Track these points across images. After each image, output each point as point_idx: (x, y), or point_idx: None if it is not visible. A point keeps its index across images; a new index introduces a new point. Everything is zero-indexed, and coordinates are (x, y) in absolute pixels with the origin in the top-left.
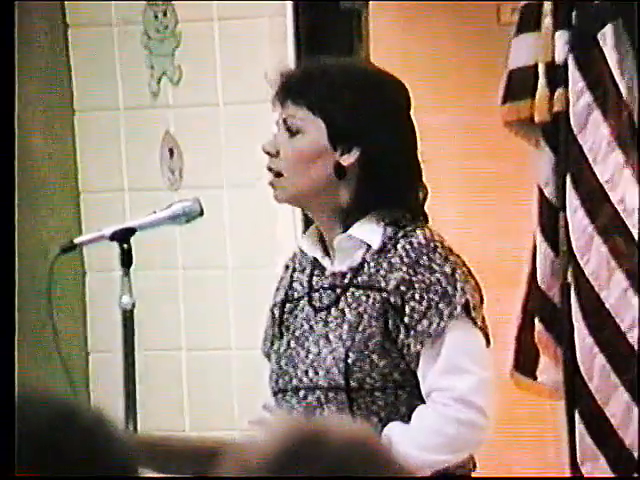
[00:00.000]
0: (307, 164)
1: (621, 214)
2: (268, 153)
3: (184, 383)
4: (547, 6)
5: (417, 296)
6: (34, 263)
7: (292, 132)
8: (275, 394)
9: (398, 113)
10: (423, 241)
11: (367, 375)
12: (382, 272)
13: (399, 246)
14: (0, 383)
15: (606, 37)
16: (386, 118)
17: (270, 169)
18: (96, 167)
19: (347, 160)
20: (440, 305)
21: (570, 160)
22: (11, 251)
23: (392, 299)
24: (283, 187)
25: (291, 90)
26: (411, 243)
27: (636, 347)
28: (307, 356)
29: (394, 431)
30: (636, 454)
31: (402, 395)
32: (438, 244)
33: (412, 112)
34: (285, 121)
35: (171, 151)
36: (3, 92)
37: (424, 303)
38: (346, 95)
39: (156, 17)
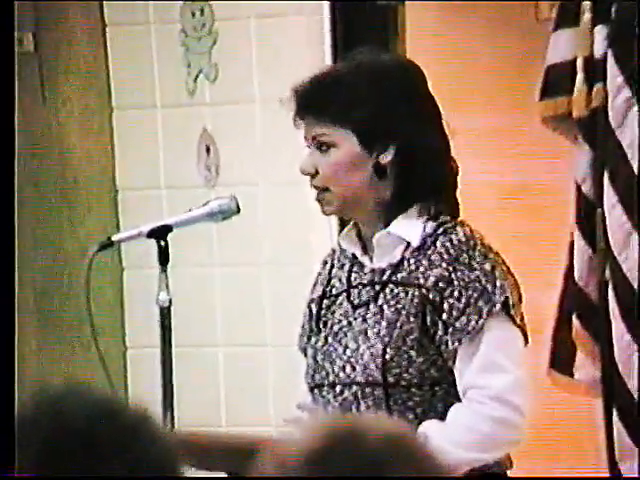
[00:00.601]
0: (347, 174)
1: None
2: (308, 174)
3: (220, 379)
4: (586, 2)
5: (456, 293)
6: (72, 260)
7: (324, 149)
8: (311, 389)
9: (420, 98)
10: (463, 238)
11: (404, 371)
12: (421, 269)
13: (438, 243)
14: (0, 384)
15: None
16: (411, 107)
17: (315, 187)
18: (133, 165)
19: (385, 159)
20: (479, 302)
21: (608, 156)
22: (11, 252)
23: (431, 296)
24: (330, 201)
25: (310, 107)
26: (451, 240)
27: None
28: (345, 352)
29: (430, 428)
30: None
31: (438, 392)
32: (478, 242)
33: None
34: (314, 139)
35: (208, 148)
36: (3, 93)
37: (463, 300)
38: (365, 98)
39: (193, 15)
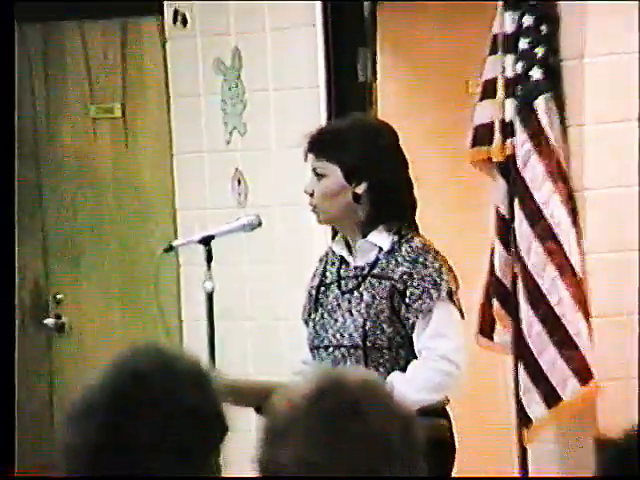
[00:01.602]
0: (333, 198)
1: (552, 226)
2: (308, 193)
3: (248, 343)
4: (500, 82)
5: (415, 283)
6: (146, 259)
7: (319, 177)
8: (311, 350)
9: (391, 151)
10: (419, 245)
11: (378, 338)
12: (391, 266)
13: (402, 248)
14: (0, 385)
15: (539, 105)
16: (382, 156)
17: (310, 204)
18: (187, 192)
19: (360, 190)
20: (431, 291)
21: (516, 188)
22: (11, 254)
23: (397, 285)
24: (319, 214)
25: (314, 147)
26: (411, 246)
27: (562, 319)
28: (335, 324)
29: (396, 378)
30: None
31: (402, 353)
32: (429, 248)
33: (402, 148)
34: (314, 169)
35: (239, 181)
36: (3, 94)
37: (419, 288)
38: (351, 146)
39: (230, 89)
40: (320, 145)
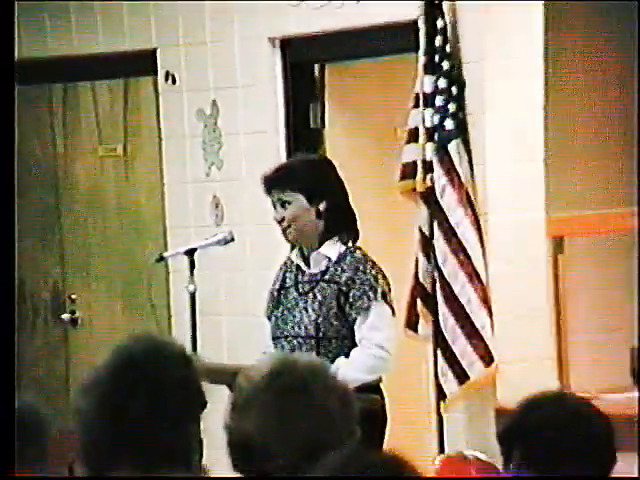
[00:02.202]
0: (300, 218)
1: (462, 243)
2: (277, 220)
3: (224, 334)
4: (421, 130)
5: (356, 287)
6: (142, 267)
7: (285, 206)
8: (273, 340)
9: (336, 177)
10: (360, 256)
11: (328, 330)
12: (337, 273)
13: (347, 259)
14: (0, 386)
15: (452, 148)
16: (331, 181)
17: (282, 228)
18: (175, 214)
19: (321, 207)
20: (369, 293)
21: (436, 212)
22: (10, 255)
23: (343, 288)
24: (290, 233)
25: (277, 182)
26: (353, 257)
27: (471, 315)
28: (294, 319)
29: (340, 362)
30: (468, 372)
31: (346, 342)
32: (368, 259)
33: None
34: (279, 199)
35: (216, 205)
36: (3, 95)
37: (360, 291)
38: (307, 176)
39: (209, 133)
40: (282, 180)
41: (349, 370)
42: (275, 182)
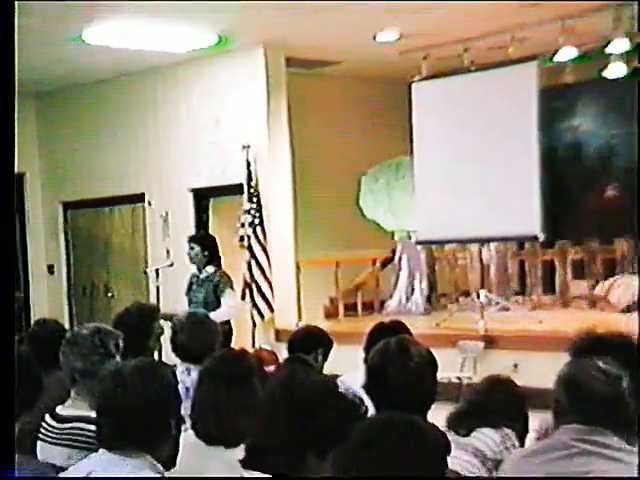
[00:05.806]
0: (197, 256)
1: (261, 262)
2: (190, 256)
3: (172, 298)
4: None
5: (222, 282)
6: (139, 277)
7: (192, 249)
8: (188, 304)
9: (213, 240)
10: (213, 270)
11: (209, 303)
12: (210, 277)
13: (214, 271)
14: (0, 386)
15: (259, 230)
16: (209, 240)
17: (192, 261)
18: (151, 251)
19: (206, 252)
20: (227, 284)
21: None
22: (10, 257)
23: (214, 283)
24: (195, 263)
25: (190, 239)
26: (216, 271)
27: (263, 288)
28: (196, 296)
29: (214, 312)
30: (265, 315)
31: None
32: (222, 271)
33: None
34: (191, 247)
35: (167, 251)
36: (3, 96)
37: (221, 284)
38: (198, 241)
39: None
40: (190, 238)
41: (216, 315)
42: (189, 238)
